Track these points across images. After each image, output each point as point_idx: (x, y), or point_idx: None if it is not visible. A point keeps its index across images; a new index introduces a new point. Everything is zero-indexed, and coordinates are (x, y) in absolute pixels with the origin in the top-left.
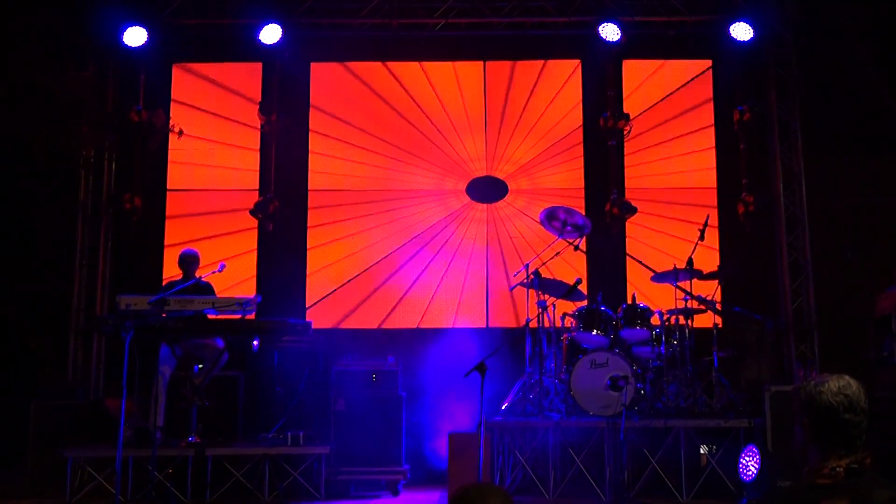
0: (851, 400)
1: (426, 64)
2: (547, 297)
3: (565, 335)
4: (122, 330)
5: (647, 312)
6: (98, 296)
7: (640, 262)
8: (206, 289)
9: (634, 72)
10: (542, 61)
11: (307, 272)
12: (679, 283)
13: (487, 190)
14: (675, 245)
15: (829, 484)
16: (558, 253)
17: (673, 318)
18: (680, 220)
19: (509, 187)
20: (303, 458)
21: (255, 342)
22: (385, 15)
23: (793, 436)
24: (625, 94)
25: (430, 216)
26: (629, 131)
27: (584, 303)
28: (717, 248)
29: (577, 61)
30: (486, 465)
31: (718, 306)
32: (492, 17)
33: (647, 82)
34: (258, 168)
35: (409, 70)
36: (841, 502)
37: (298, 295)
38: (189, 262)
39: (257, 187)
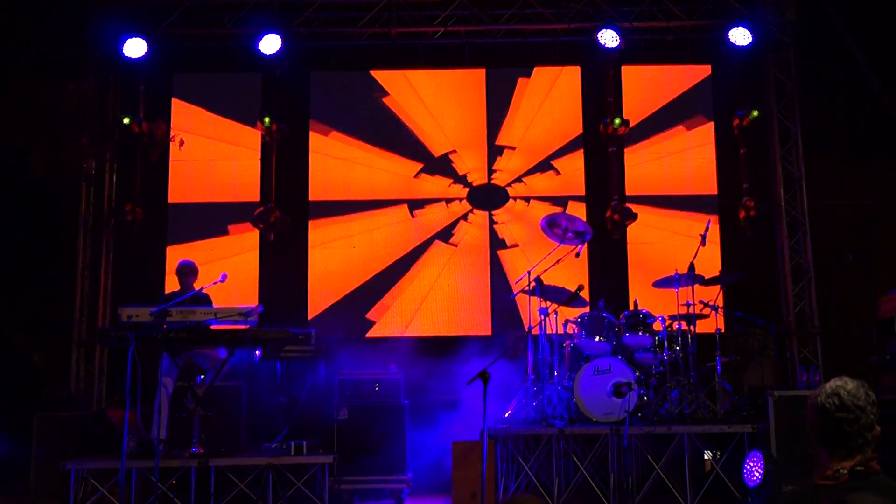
0: (843, 399)
1: (426, 72)
2: (549, 303)
3: (568, 342)
4: (124, 341)
5: (649, 318)
6: (100, 307)
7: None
8: (205, 300)
9: (634, 78)
10: (541, 68)
11: (309, 282)
12: (681, 289)
13: (488, 197)
14: (676, 251)
15: (831, 485)
16: (560, 260)
17: (675, 323)
18: (681, 226)
19: (510, 194)
20: (306, 467)
21: (257, 352)
22: (384, 24)
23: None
24: (624, 100)
25: (431, 224)
26: (629, 137)
27: (586, 309)
28: (719, 253)
29: (577, 68)
30: (490, 473)
31: (721, 311)
32: (491, 24)
33: (646, 88)
34: (259, 178)
35: (409, 78)
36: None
37: (300, 304)
38: (186, 272)
39: (258, 197)
